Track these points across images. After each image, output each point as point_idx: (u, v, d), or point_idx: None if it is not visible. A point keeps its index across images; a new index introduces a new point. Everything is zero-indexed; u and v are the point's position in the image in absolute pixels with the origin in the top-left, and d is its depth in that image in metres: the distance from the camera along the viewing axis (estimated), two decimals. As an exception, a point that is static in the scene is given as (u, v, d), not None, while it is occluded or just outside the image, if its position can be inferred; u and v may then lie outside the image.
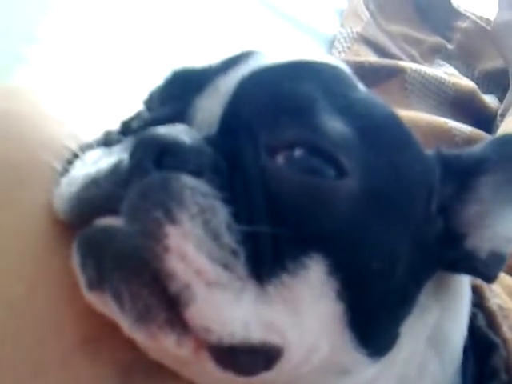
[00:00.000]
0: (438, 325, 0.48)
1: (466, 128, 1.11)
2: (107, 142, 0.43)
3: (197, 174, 0.36)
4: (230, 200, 0.36)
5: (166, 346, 0.35)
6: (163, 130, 0.37)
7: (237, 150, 0.38)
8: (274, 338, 0.37)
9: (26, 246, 0.40)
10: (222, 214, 0.35)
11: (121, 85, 0.89)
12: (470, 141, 1.06)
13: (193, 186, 0.35)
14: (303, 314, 0.38)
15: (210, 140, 0.39)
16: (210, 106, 0.41)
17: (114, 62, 0.97)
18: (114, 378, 0.39)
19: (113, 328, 0.36)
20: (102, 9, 1.08)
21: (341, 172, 0.38)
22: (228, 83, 0.41)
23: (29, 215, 0.41)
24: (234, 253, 0.35)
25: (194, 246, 0.34)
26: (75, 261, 0.37)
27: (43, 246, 0.41)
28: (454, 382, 0.50)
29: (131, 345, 0.38)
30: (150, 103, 0.46)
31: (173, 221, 0.34)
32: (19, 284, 0.39)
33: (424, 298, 0.46)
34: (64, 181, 0.41)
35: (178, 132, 0.38)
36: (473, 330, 0.52)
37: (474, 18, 1.46)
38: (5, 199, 0.42)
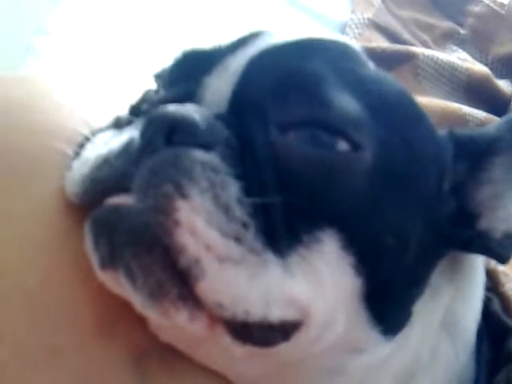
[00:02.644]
0: (451, 306, 0.48)
1: (480, 113, 1.09)
2: (117, 125, 0.43)
3: (207, 148, 0.36)
4: (241, 176, 0.36)
5: (178, 321, 0.35)
6: (173, 108, 0.37)
7: (247, 127, 0.38)
8: (294, 313, 0.37)
9: (39, 232, 0.41)
10: (232, 188, 0.35)
11: (129, 73, 0.89)
12: (484, 126, 1.05)
13: (203, 161, 0.35)
14: (324, 286, 0.38)
15: (220, 118, 0.39)
16: (220, 86, 0.41)
17: (122, 51, 0.97)
18: (128, 363, 0.39)
19: (127, 312, 0.37)
20: (110, 0, 1.08)
21: (353, 146, 0.38)
22: (237, 63, 0.41)
23: (41, 202, 0.42)
24: (245, 225, 0.35)
25: (203, 220, 0.34)
26: (87, 241, 0.37)
27: (56, 233, 0.41)
28: (467, 365, 0.50)
29: (146, 330, 0.38)
30: (160, 83, 0.46)
31: (183, 195, 0.34)
32: (33, 270, 0.39)
33: (437, 278, 0.45)
34: (75, 164, 0.41)
35: (188, 110, 0.38)
36: (488, 314, 0.52)
37: (486, 1, 1.44)
38: (17, 186, 0.42)
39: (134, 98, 0.48)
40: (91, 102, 0.52)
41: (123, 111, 0.47)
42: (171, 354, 0.39)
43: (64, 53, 0.93)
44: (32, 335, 0.38)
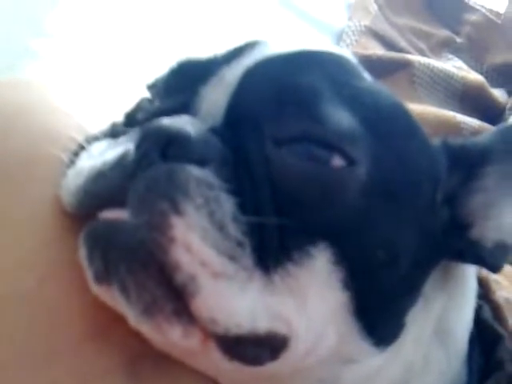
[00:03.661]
0: (443, 315, 0.48)
1: (474, 122, 1.10)
2: (113, 133, 0.43)
3: (202, 164, 0.36)
4: (236, 191, 0.36)
5: (172, 337, 0.35)
6: (168, 122, 0.38)
7: (242, 141, 0.38)
8: (280, 327, 0.37)
9: (35, 237, 0.41)
10: (227, 204, 0.35)
11: (126, 77, 0.89)
12: (478, 135, 1.05)
13: (198, 177, 0.35)
14: (309, 302, 0.38)
15: (215, 131, 0.39)
16: (215, 97, 0.41)
17: (120, 55, 0.97)
18: (122, 368, 0.39)
19: (122, 318, 0.37)
20: (109, 2, 1.08)
21: (348, 161, 0.38)
22: (233, 74, 0.41)
23: (37, 208, 0.42)
24: (240, 244, 0.35)
25: (199, 238, 0.34)
26: (82, 254, 0.37)
27: (53, 238, 0.41)
28: (459, 372, 0.50)
29: (140, 335, 0.38)
30: (154, 93, 0.46)
31: (178, 212, 0.34)
32: (30, 275, 0.39)
33: (429, 288, 0.46)
34: (71, 172, 0.41)
35: (183, 123, 0.38)
36: (479, 322, 0.52)
37: (483, 10, 1.46)
38: (14, 192, 0.42)
39: (131, 102, 0.48)
40: (88, 107, 0.52)
41: (119, 117, 0.47)
42: (165, 359, 0.39)
43: (62, 55, 0.93)
44: (29, 338, 0.38)
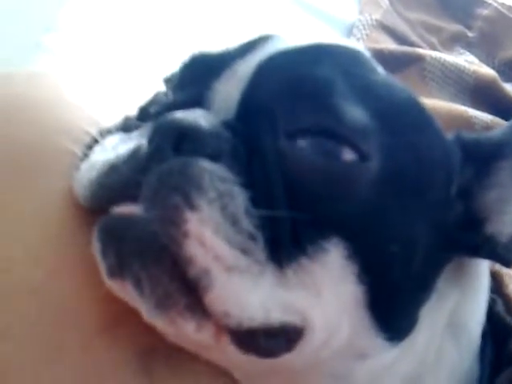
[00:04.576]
0: (456, 310, 0.48)
1: (486, 116, 1.09)
2: (126, 127, 0.43)
3: (215, 158, 0.36)
4: (248, 184, 0.36)
5: (185, 331, 0.35)
6: (181, 115, 0.38)
7: (255, 134, 0.38)
8: (294, 319, 0.37)
9: (45, 231, 0.41)
10: (240, 198, 0.35)
11: (138, 71, 0.89)
12: (490, 129, 1.05)
13: (211, 171, 0.35)
14: (324, 296, 0.38)
15: (227, 124, 0.39)
16: (228, 91, 0.41)
17: (131, 49, 0.98)
18: (133, 362, 0.39)
19: (132, 312, 0.37)
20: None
21: (361, 156, 0.38)
22: (246, 67, 0.41)
23: (48, 200, 0.42)
24: (252, 237, 0.35)
25: (212, 231, 0.34)
26: (96, 248, 0.37)
27: (63, 232, 0.41)
28: (471, 367, 0.50)
29: (150, 328, 0.38)
30: (169, 86, 0.46)
31: (191, 206, 0.34)
32: (39, 269, 0.39)
33: (442, 283, 0.45)
34: (84, 166, 0.41)
35: (196, 117, 0.38)
36: (491, 315, 0.52)
37: (495, 4, 1.44)
38: (25, 184, 0.42)
39: (143, 95, 0.48)
40: (100, 100, 0.52)
41: (132, 110, 0.47)
42: (177, 353, 0.40)
43: (73, 50, 0.93)
44: (36, 331, 0.38)
